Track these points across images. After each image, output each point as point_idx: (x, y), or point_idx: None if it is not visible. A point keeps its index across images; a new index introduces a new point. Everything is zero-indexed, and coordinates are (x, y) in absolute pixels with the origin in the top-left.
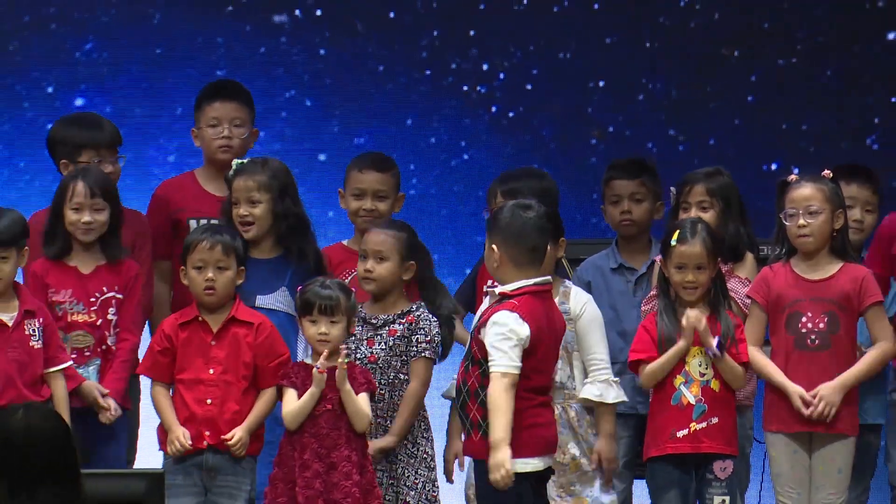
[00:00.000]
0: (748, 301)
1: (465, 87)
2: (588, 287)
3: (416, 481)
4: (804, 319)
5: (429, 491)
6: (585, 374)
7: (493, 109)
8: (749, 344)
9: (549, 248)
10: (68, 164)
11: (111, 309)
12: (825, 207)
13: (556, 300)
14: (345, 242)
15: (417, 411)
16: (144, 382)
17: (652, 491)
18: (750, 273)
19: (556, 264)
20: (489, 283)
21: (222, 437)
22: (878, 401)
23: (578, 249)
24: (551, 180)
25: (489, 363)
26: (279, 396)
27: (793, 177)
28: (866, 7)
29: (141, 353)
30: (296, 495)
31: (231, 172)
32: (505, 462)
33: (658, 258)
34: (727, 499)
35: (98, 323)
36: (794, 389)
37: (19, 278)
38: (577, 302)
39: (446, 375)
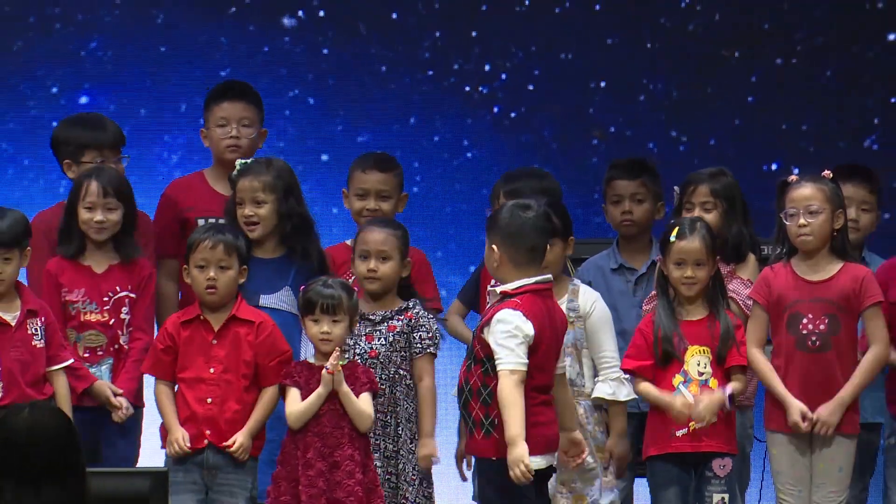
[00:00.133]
0: (750, 302)
1: (468, 88)
2: (589, 287)
3: (414, 478)
4: (805, 321)
5: (425, 487)
6: (595, 372)
7: (495, 110)
8: (751, 345)
9: (559, 246)
10: (71, 164)
11: (124, 308)
12: (825, 207)
13: (566, 298)
14: (348, 242)
15: (436, 406)
16: (148, 380)
17: (652, 489)
18: (752, 274)
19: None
20: (491, 282)
21: (223, 444)
22: (877, 399)
23: (579, 249)
24: (554, 180)
25: (496, 361)
26: (282, 395)
27: (793, 177)
28: (866, 8)
29: None
30: (299, 494)
31: (235, 172)
32: (523, 457)
33: (658, 258)
34: (726, 496)
35: (111, 322)
36: (794, 404)
37: (22, 278)
38: (587, 300)
39: (443, 372)
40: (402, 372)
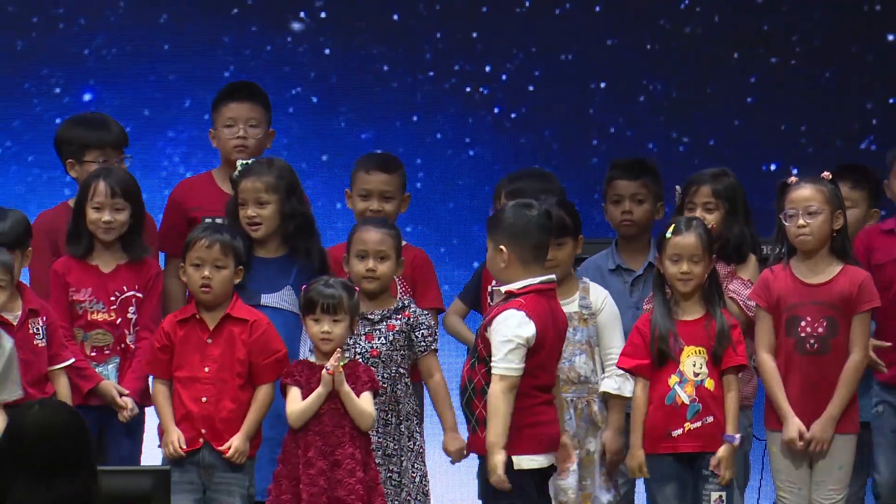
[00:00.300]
0: (751, 303)
1: (468, 89)
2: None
3: (415, 475)
4: (803, 324)
5: (424, 485)
6: (602, 368)
7: (496, 110)
8: (761, 349)
9: (570, 245)
10: (74, 163)
11: (131, 308)
12: (824, 208)
13: (577, 296)
14: None
15: (450, 399)
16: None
17: (650, 485)
18: (752, 274)
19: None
20: (493, 282)
21: (219, 447)
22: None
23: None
24: (556, 181)
25: (492, 362)
26: (283, 394)
27: (793, 178)
28: (864, 9)
29: None
30: (300, 492)
31: (237, 173)
32: (499, 466)
33: (655, 257)
34: (724, 494)
35: (117, 322)
36: (793, 421)
37: (24, 278)
38: (597, 297)
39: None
40: (402, 370)
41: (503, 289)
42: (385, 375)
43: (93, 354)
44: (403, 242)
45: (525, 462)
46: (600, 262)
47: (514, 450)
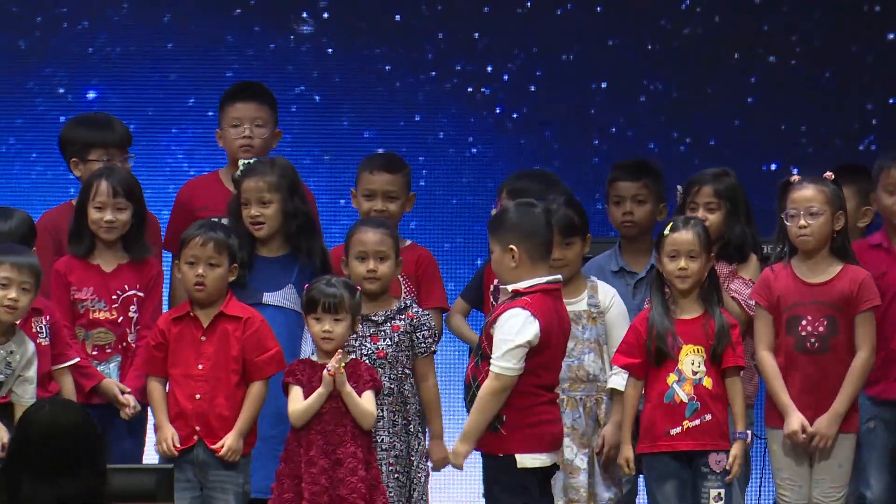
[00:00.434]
0: (752, 303)
1: (470, 89)
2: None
3: (420, 475)
4: (804, 323)
5: (424, 485)
6: (611, 366)
7: (498, 111)
8: (761, 348)
9: (578, 244)
10: (78, 162)
11: (132, 307)
12: (826, 209)
13: (585, 294)
14: None
15: (441, 405)
16: None
17: (649, 483)
18: (753, 274)
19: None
20: (495, 280)
21: (211, 447)
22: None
23: None
24: (560, 183)
25: (491, 359)
26: (285, 393)
27: (795, 177)
28: (864, 9)
29: None
30: (302, 491)
31: (239, 173)
32: (462, 455)
33: (654, 256)
34: (722, 491)
35: (119, 320)
36: (795, 415)
37: None
38: (606, 295)
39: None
40: (407, 371)
41: (510, 287)
42: (392, 376)
43: (94, 353)
44: (409, 242)
45: (528, 461)
46: (603, 264)
47: (517, 448)
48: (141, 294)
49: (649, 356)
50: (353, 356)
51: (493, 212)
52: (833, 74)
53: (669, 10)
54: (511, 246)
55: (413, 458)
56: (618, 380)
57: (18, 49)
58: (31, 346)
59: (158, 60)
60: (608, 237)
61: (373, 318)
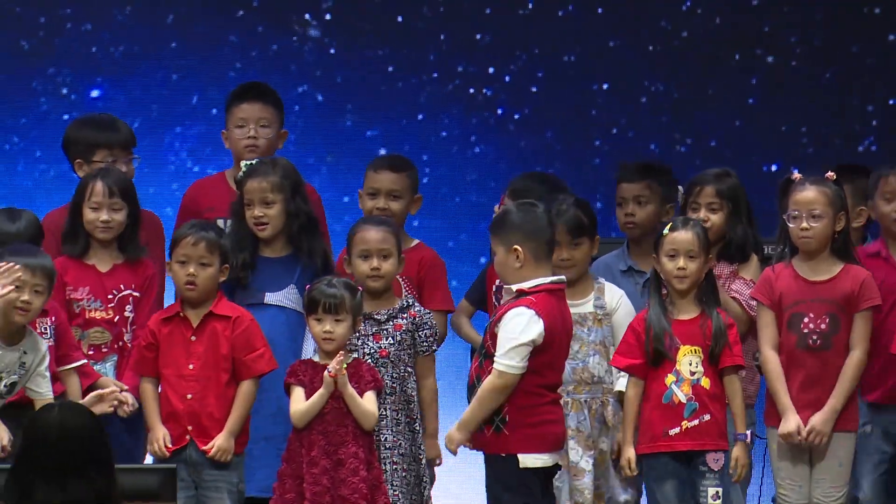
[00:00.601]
0: (753, 303)
1: (472, 90)
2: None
3: (424, 475)
4: (806, 320)
5: (430, 484)
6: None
7: (499, 111)
8: (765, 346)
9: (587, 245)
10: (83, 163)
11: (128, 306)
12: (828, 211)
13: (592, 296)
14: None
15: (437, 405)
16: None
17: (648, 484)
18: (754, 274)
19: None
20: (498, 280)
21: (203, 447)
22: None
23: None
24: (563, 185)
25: (495, 356)
26: (287, 394)
27: (796, 175)
28: (864, 11)
29: None
30: (304, 491)
31: (241, 174)
32: (456, 441)
33: (653, 256)
34: (720, 490)
35: (115, 320)
36: (792, 417)
37: None
38: (613, 297)
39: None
40: (409, 370)
41: (514, 287)
42: (395, 375)
43: (90, 353)
44: (417, 241)
45: (530, 461)
46: (611, 263)
47: (520, 448)
48: (137, 294)
49: (647, 357)
50: (355, 356)
51: (496, 211)
52: (833, 75)
53: (670, 12)
54: (515, 246)
55: (421, 457)
56: (626, 382)
57: (22, 49)
58: (43, 345)
59: (162, 59)
60: (609, 238)
61: (375, 316)
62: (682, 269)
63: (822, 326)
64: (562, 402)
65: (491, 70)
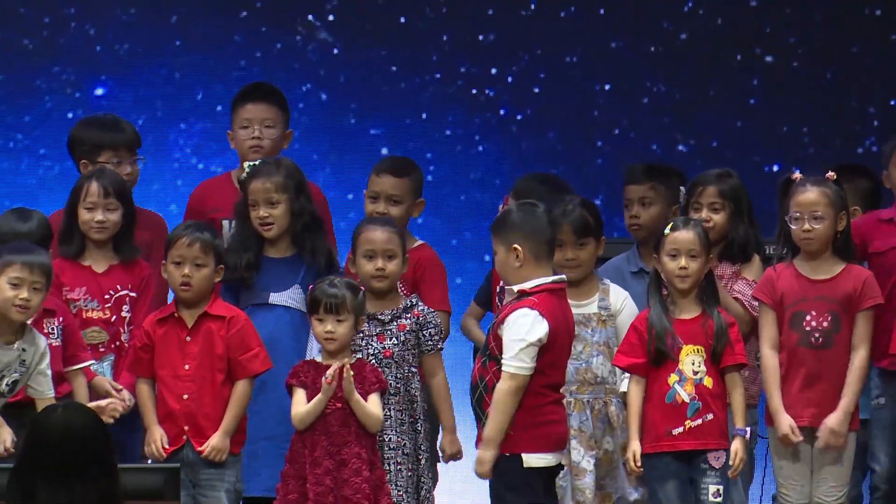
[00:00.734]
0: (755, 303)
1: (474, 91)
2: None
3: (426, 475)
4: (808, 318)
5: (432, 484)
6: None
7: (502, 112)
8: (765, 345)
9: (592, 245)
10: (88, 163)
11: (125, 306)
12: (829, 212)
13: (596, 297)
14: None
15: (451, 400)
16: None
17: (651, 483)
18: (756, 275)
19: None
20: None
21: (198, 449)
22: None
23: None
24: (567, 186)
25: (502, 361)
26: (289, 394)
27: (797, 176)
28: (865, 12)
29: None
30: (307, 491)
31: (245, 175)
32: (488, 461)
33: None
34: (721, 488)
35: (112, 319)
36: (784, 419)
37: None
38: (617, 298)
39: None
40: (413, 370)
41: (515, 288)
42: (398, 375)
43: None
44: (420, 242)
45: (533, 460)
46: (620, 265)
47: (523, 448)
48: (133, 294)
49: (650, 357)
50: (358, 356)
51: (501, 209)
52: (834, 76)
53: (671, 13)
54: (515, 245)
55: (421, 458)
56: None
57: (26, 48)
58: (42, 342)
59: (166, 57)
60: (610, 238)
61: (379, 316)
62: (683, 269)
63: (825, 324)
64: (565, 402)
65: (493, 71)
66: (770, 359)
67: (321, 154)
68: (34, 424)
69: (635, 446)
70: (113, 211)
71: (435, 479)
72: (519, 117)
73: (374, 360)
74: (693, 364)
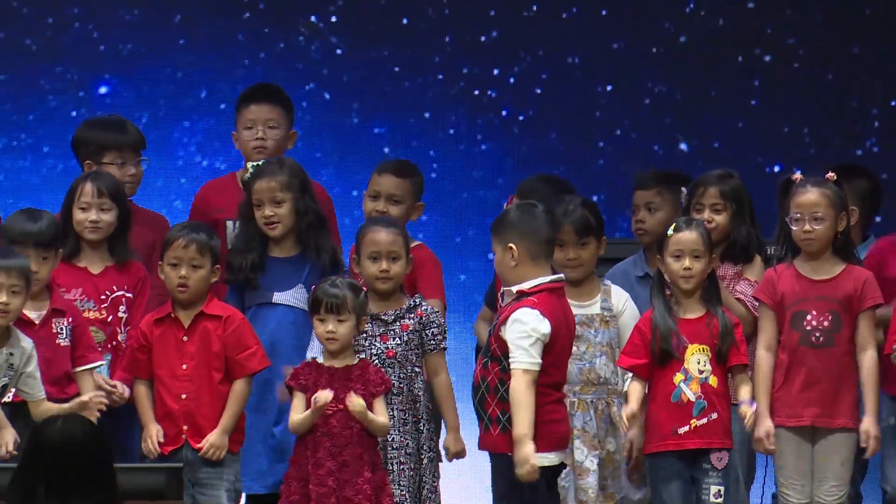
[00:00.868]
0: (757, 304)
1: (477, 92)
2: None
3: (429, 473)
4: (809, 317)
5: (434, 481)
6: None
7: (504, 113)
8: (761, 346)
9: (594, 245)
10: (92, 164)
11: (121, 307)
12: (830, 213)
13: (598, 298)
14: None
15: (454, 399)
16: None
17: (655, 484)
18: (758, 275)
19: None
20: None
21: (196, 447)
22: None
23: None
24: (571, 186)
25: (510, 360)
26: (291, 396)
27: (796, 176)
28: (866, 13)
29: None
30: (309, 493)
31: (249, 175)
32: (530, 457)
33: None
34: (722, 489)
35: (109, 319)
36: (765, 423)
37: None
38: (619, 299)
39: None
40: (417, 370)
41: (514, 288)
42: (401, 375)
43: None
44: (417, 242)
45: (536, 460)
46: (627, 269)
47: None
48: (129, 295)
49: (654, 357)
50: (362, 356)
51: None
52: (835, 76)
53: (673, 14)
54: (510, 245)
55: (423, 457)
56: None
57: (29, 49)
58: (28, 343)
59: (170, 56)
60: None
61: (382, 316)
62: (687, 270)
63: (825, 324)
64: (568, 402)
65: (495, 72)
66: (764, 361)
67: (325, 152)
68: (34, 434)
69: (632, 435)
70: (107, 211)
71: (437, 479)
72: (521, 118)
73: (377, 361)
74: (699, 363)
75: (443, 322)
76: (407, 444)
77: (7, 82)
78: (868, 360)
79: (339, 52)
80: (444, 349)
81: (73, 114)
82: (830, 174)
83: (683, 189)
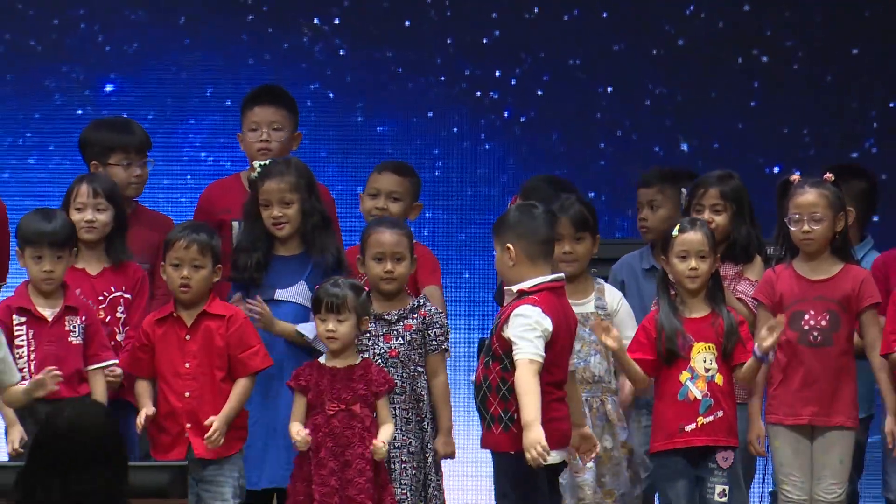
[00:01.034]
0: (757, 303)
1: (478, 93)
2: (622, 286)
3: (433, 472)
4: (807, 317)
5: (438, 480)
6: None
7: (505, 114)
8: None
9: (589, 241)
10: (98, 165)
11: (119, 307)
12: (828, 214)
13: (593, 296)
14: None
15: (450, 401)
16: None
17: (659, 482)
18: (758, 275)
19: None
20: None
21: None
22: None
23: None
24: (573, 187)
25: (514, 351)
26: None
27: (795, 177)
28: (865, 14)
29: None
30: (312, 492)
31: (255, 175)
32: (540, 439)
33: (662, 258)
34: (727, 488)
35: (107, 320)
36: (756, 425)
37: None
38: (613, 298)
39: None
40: (419, 369)
41: (514, 288)
42: (404, 375)
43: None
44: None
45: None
46: (633, 262)
47: None
48: (128, 296)
49: (660, 357)
50: (365, 356)
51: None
52: (834, 77)
53: (673, 15)
54: (508, 245)
55: (427, 456)
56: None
57: (35, 50)
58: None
59: (175, 55)
60: (612, 238)
61: (386, 317)
62: (694, 270)
63: (823, 323)
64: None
65: (497, 73)
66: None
67: (329, 151)
68: (44, 420)
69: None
70: (102, 211)
71: (441, 478)
72: (522, 119)
73: (379, 360)
74: (705, 361)
75: (446, 323)
76: (409, 443)
77: (13, 82)
78: (877, 360)
79: (342, 52)
80: (446, 350)
81: (79, 112)
82: (828, 175)
83: (683, 190)
